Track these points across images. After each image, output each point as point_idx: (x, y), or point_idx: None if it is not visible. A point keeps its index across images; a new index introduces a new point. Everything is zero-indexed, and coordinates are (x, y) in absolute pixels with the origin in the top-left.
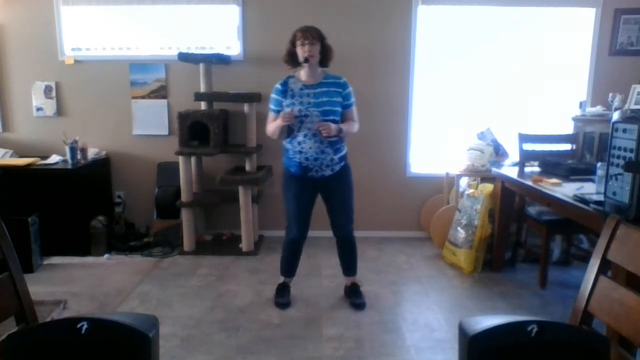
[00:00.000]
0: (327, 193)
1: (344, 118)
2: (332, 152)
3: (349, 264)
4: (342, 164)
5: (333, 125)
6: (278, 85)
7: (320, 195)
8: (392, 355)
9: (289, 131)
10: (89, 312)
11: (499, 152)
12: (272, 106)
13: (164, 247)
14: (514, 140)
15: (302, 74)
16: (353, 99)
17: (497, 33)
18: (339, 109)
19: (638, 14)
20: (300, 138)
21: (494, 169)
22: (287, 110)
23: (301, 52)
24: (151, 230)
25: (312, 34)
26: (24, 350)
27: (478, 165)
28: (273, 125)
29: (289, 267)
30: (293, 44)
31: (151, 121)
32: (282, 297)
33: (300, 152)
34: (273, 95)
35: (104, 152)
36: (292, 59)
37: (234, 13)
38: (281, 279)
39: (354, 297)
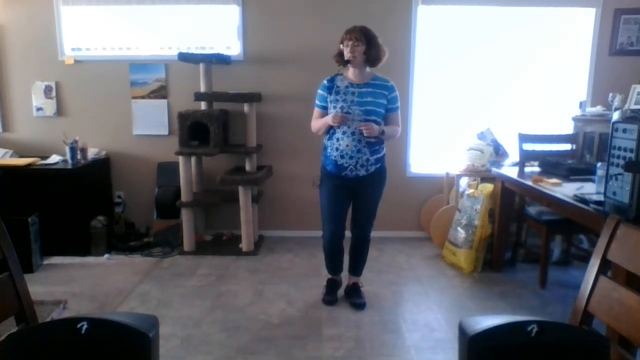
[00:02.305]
0: (357, 192)
1: (386, 121)
2: (369, 153)
3: (357, 263)
4: (378, 165)
5: (375, 126)
6: (325, 82)
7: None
8: (392, 355)
9: (329, 128)
10: (89, 312)
11: (499, 152)
12: (317, 102)
13: (164, 247)
14: (514, 140)
15: (350, 73)
16: (398, 104)
17: (497, 33)
18: (382, 110)
19: (638, 14)
20: (338, 135)
21: (494, 169)
22: (340, 113)
23: (345, 52)
24: (151, 230)
25: (356, 35)
26: (24, 350)
27: (478, 165)
28: (319, 123)
29: (330, 265)
30: (342, 43)
31: (151, 121)
32: (329, 295)
33: (337, 149)
34: (319, 91)
35: (104, 152)
36: (341, 59)
37: (234, 13)
38: (329, 275)
39: (354, 297)
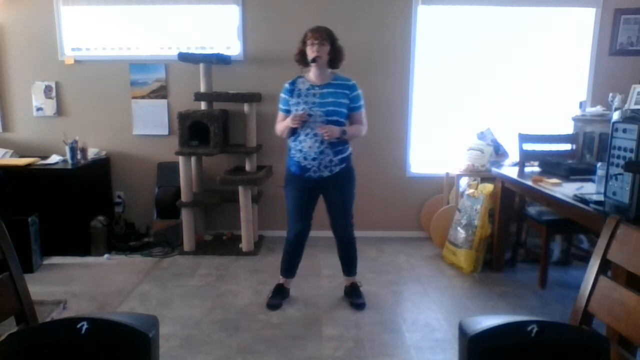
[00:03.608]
0: (326, 194)
1: (351, 120)
2: (332, 154)
3: (348, 265)
4: (343, 165)
5: (335, 128)
6: (287, 85)
7: (322, 195)
8: (392, 355)
9: (293, 131)
10: (89, 312)
11: (499, 152)
12: (281, 105)
13: (164, 247)
14: (514, 140)
15: (311, 74)
16: (362, 102)
17: (497, 33)
18: (344, 110)
19: (638, 14)
20: (301, 137)
21: (494, 169)
22: (299, 112)
23: (310, 52)
24: (151, 230)
25: (322, 35)
26: (24, 350)
27: (478, 165)
28: (282, 125)
29: (287, 266)
30: (304, 43)
31: (151, 121)
32: (274, 299)
33: (300, 150)
34: (281, 95)
35: (104, 152)
36: (302, 59)
37: (234, 13)
38: (280, 280)
39: (354, 297)
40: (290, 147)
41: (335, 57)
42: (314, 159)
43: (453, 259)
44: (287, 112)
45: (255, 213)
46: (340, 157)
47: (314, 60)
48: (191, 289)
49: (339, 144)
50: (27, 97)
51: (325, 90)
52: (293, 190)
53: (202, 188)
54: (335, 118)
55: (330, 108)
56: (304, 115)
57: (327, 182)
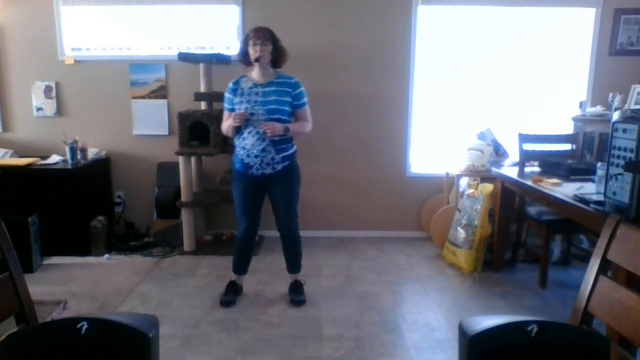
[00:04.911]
0: (270, 192)
1: (295, 118)
2: (275, 152)
3: (292, 262)
4: (286, 163)
5: (278, 125)
6: (230, 84)
7: (267, 193)
8: (392, 355)
9: (237, 129)
10: (89, 312)
11: (499, 152)
12: (225, 105)
13: (164, 247)
14: (514, 140)
15: (254, 73)
16: (305, 99)
17: (497, 33)
18: (286, 108)
19: (638, 14)
20: (244, 135)
21: (494, 169)
22: (239, 112)
23: (252, 51)
24: (151, 230)
25: (265, 35)
26: (24, 350)
27: (478, 165)
28: (226, 124)
29: (237, 264)
30: (246, 43)
31: (151, 121)
32: (226, 295)
33: (244, 148)
34: (226, 94)
35: (104, 152)
36: (245, 58)
37: (234, 13)
38: (232, 277)
39: (294, 294)
40: (235, 144)
41: (277, 57)
42: (256, 156)
43: (453, 259)
44: (232, 110)
45: None
46: (283, 155)
47: (257, 59)
48: (191, 289)
49: (282, 142)
50: (27, 97)
51: (267, 89)
52: (238, 188)
53: (202, 188)
54: (277, 116)
55: (273, 107)
56: (245, 114)
57: (271, 180)
